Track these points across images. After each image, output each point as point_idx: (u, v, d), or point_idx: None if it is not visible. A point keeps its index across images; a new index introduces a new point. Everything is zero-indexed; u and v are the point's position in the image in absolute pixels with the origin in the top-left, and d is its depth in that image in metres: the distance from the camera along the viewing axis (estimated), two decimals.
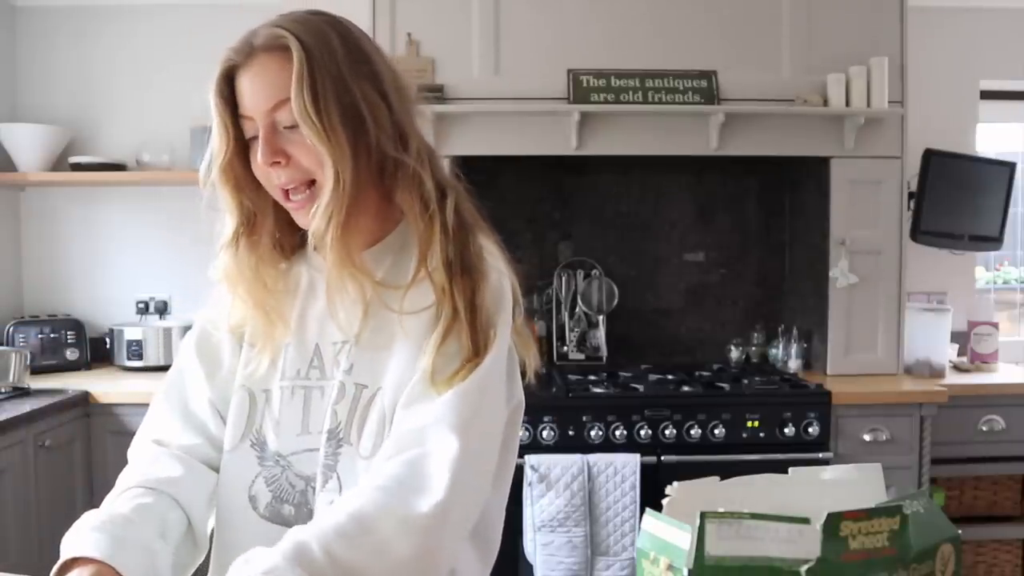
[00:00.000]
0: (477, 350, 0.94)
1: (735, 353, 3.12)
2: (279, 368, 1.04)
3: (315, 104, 0.92)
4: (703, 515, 0.61)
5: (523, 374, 1.08)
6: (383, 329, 0.99)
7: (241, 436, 1.03)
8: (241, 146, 0.98)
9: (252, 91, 0.95)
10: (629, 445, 2.50)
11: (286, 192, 0.98)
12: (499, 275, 1.00)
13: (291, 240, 1.07)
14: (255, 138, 0.97)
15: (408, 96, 1.03)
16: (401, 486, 0.88)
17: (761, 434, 2.55)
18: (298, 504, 1.01)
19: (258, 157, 0.96)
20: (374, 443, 0.96)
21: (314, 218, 0.95)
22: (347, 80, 0.94)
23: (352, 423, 0.98)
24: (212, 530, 1.06)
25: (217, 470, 1.04)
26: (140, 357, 2.94)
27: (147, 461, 1.02)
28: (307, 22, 0.96)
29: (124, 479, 1.00)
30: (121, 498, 0.96)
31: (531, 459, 2.42)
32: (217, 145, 0.98)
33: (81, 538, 0.88)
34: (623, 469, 2.42)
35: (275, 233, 1.04)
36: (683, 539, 0.62)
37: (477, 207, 1.05)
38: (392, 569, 0.85)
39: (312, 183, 0.97)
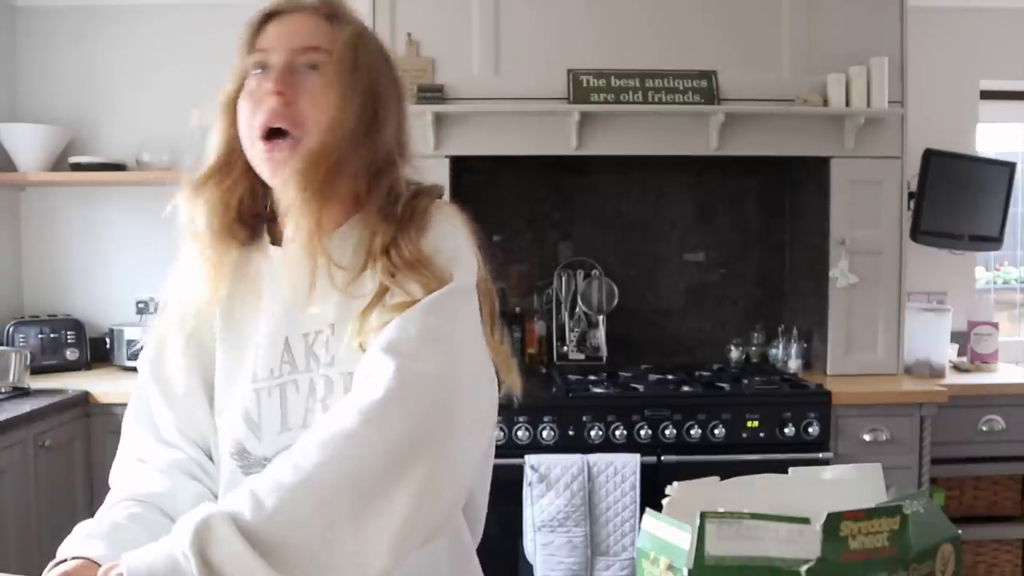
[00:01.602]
0: (429, 292, 0.90)
1: (735, 353, 3.12)
2: (251, 371, 1.00)
3: (354, 62, 0.96)
4: (703, 515, 0.61)
5: (508, 396, 1.05)
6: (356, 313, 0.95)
7: (224, 451, 1.01)
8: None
9: (287, 31, 0.97)
10: (629, 445, 2.50)
11: (267, 133, 0.95)
12: (452, 227, 0.99)
13: (245, 230, 1.03)
14: (258, 72, 0.97)
15: (406, 105, 1.06)
16: (333, 416, 0.82)
17: (761, 434, 2.55)
18: None
19: (258, 97, 0.95)
20: None
21: (294, 167, 0.93)
22: (381, 68, 1.00)
23: None
24: None
25: (202, 482, 1.02)
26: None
27: (131, 478, 1.00)
28: (352, 12, 1.02)
29: (111, 497, 0.99)
30: (112, 510, 0.95)
31: (531, 459, 2.42)
32: (234, 74, 0.99)
33: (77, 544, 0.87)
34: (623, 469, 2.42)
35: (241, 201, 1.02)
36: (683, 539, 0.62)
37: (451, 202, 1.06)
38: (323, 497, 0.77)
39: (295, 141, 0.95)
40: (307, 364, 0.98)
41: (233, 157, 1.00)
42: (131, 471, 1.01)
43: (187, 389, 1.03)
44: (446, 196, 1.09)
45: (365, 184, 0.99)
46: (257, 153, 0.97)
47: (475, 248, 1.00)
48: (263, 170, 0.97)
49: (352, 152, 0.95)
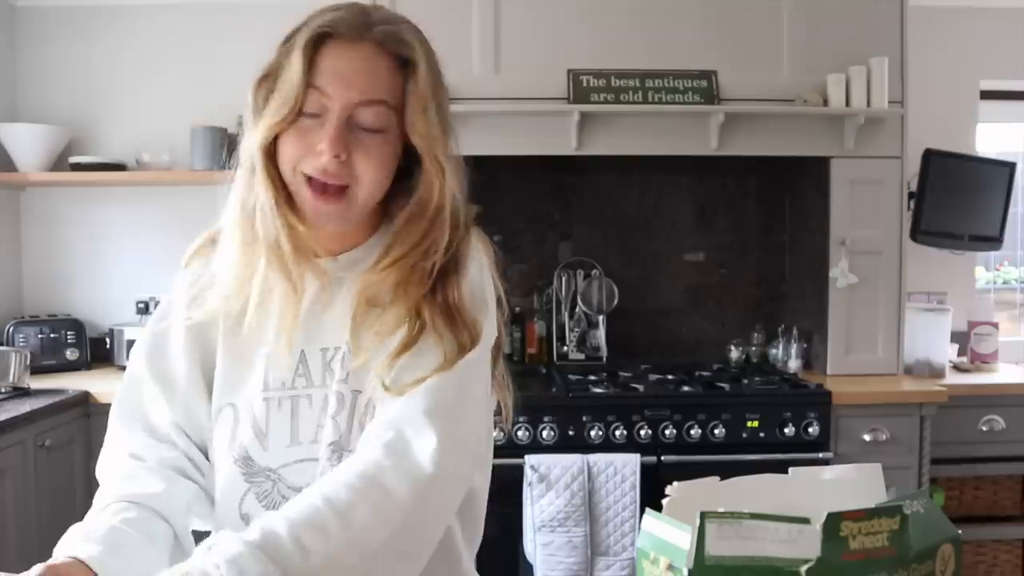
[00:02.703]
0: (462, 347, 0.92)
1: (735, 353, 3.12)
2: (261, 379, 0.99)
3: (432, 126, 0.93)
4: (703, 515, 0.61)
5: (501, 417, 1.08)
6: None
7: (225, 455, 1.00)
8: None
9: (348, 76, 0.91)
10: (629, 445, 2.50)
11: (320, 184, 0.92)
12: (479, 268, 0.99)
13: None
14: (309, 116, 0.91)
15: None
16: (381, 471, 0.84)
17: (761, 434, 2.55)
18: None
19: (303, 144, 0.91)
20: None
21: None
22: (444, 108, 0.96)
23: (352, 431, 0.96)
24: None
25: (194, 480, 1.01)
26: None
27: (123, 476, 0.98)
28: (422, 34, 0.97)
29: (101, 497, 0.97)
30: (104, 513, 0.94)
31: (531, 459, 2.42)
32: (283, 108, 0.91)
33: (72, 545, 0.86)
34: (623, 469, 2.42)
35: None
36: (683, 539, 0.62)
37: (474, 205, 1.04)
38: (367, 558, 0.81)
39: (345, 191, 0.93)
40: (323, 379, 0.98)
41: (284, 188, 0.96)
42: (122, 469, 0.99)
43: (189, 383, 1.02)
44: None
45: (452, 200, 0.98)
46: (300, 194, 0.94)
47: (496, 283, 1.02)
48: (316, 213, 0.94)
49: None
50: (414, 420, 0.88)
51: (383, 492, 0.83)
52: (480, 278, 0.99)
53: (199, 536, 1.04)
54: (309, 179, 0.92)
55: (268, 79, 0.93)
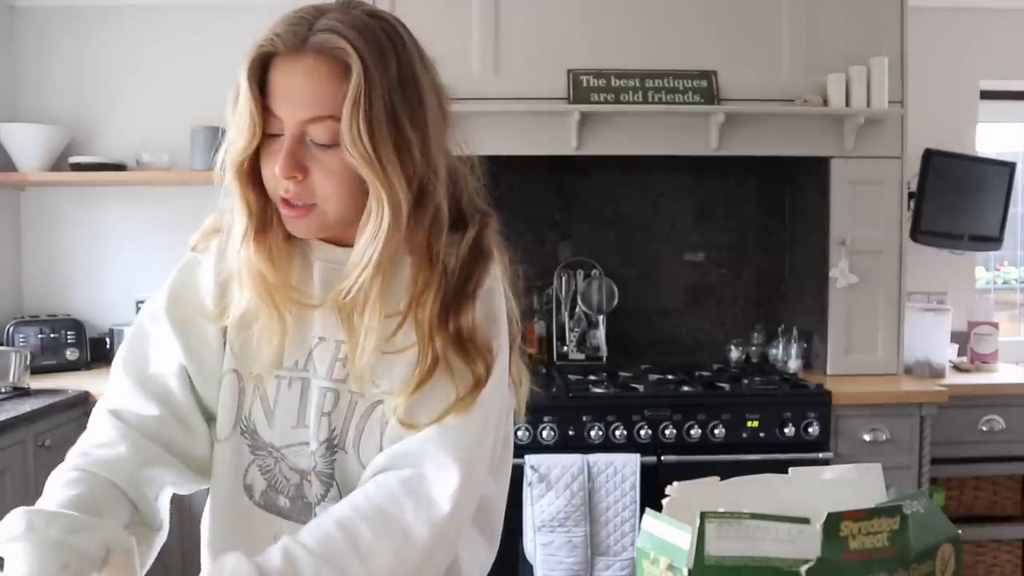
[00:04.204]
0: (478, 380, 0.91)
1: (735, 353, 3.12)
2: (277, 356, 0.98)
3: (371, 136, 0.85)
4: (703, 515, 0.61)
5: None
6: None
7: (232, 424, 0.99)
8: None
9: (291, 94, 0.88)
10: (629, 445, 2.50)
11: (288, 202, 0.91)
12: (489, 292, 0.96)
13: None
14: (274, 136, 0.90)
15: (446, 117, 0.97)
16: (401, 510, 0.85)
17: (761, 434, 2.55)
18: (293, 498, 0.98)
19: (274, 165, 0.89)
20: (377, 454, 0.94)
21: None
22: (396, 108, 0.88)
23: (348, 432, 0.95)
24: (204, 520, 1.04)
25: (176, 444, 0.98)
26: None
27: (93, 436, 0.96)
28: (367, 31, 0.88)
29: (70, 455, 0.95)
30: (55, 484, 0.90)
31: (531, 459, 2.42)
32: (242, 138, 0.89)
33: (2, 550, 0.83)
34: (623, 469, 2.42)
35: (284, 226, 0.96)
36: (683, 539, 0.62)
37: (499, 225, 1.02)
38: None
39: (312, 208, 0.91)
40: (331, 370, 0.97)
41: (263, 213, 0.95)
42: (99, 426, 0.97)
43: (212, 332, 1.00)
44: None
45: (407, 209, 0.91)
46: (282, 212, 0.93)
47: (510, 302, 1.00)
48: (288, 226, 0.94)
49: (410, 208, 0.91)
50: (435, 458, 0.88)
51: (403, 534, 0.85)
52: (489, 298, 0.96)
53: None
54: (280, 202, 0.92)
55: (234, 101, 0.91)
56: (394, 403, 0.91)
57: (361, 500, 0.87)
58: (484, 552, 1.06)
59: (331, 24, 0.87)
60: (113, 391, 1.00)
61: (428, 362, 0.90)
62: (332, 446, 0.96)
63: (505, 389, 1.00)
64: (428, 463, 0.88)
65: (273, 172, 0.90)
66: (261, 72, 0.89)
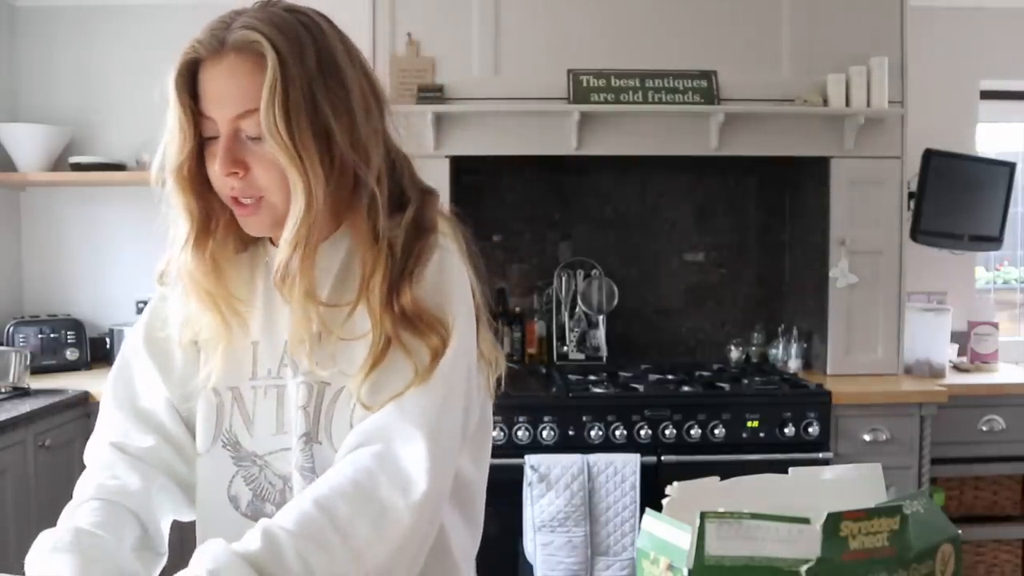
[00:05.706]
0: (435, 351, 0.91)
1: (735, 353, 3.12)
2: (250, 367, 1.01)
3: (287, 123, 0.88)
4: (703, 515, 0.61)
5: (498, 382, 1.06)
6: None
7: (213, 438, 1.01)
8: (198, 144, 0.93)
9: (218, 95, 0.90)
10: (629, 445, 2.50)
11: (235, 198, 0.94)
12: (438, 265, 0.96)
13: (241, 242, 1.03)
14: (213, 138, 0.92)
15: (379, 105, 0.98)
16: (376, 485, 0.86)
17: (761, 434, 2.55)
18: (279, 504, 0.99)
19: (215, 163, 0.91)
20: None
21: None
22: (317, 95, 0.90)
23: (319, 421, 0.96)
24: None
25: (175, 473, 1.02)
26: None
27: (101, 469, 0.99)
28: (283, 24, 0.91)
29: (80, 489, 0.98)
30: (78, 512, 0.94)
31: (531, 459, 2.42)
32: (174, 144, 0.92)
33: (45, 560, 0.87)
34: (623, 469, 2.42)
35: (232, 229, 1.00)
36: (683, 539, 0.62)
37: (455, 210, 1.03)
38: (366, 571, 0.83)
39: (260, 201, 0.94)
40: (299, 366, 0.98)
41: (205, 219, 0.97)
42: (103, 458, 1.00)
43: (183, 366, 1.03)
44: (444, 199, 1.06)
45: (347, 198, 0.95)
46: (235, 212, 0.96)
47: (470, 274, 1.00)
48: (242, 224, 0.97)
49: (330, 193, 0.92)
50: (401, 431, 0.88)
51: (381, 508, 0.85)
52: (438, 270, 0.96)
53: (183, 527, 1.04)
54: (228, 200, 0.95)
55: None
56: (355, 386, 0.92)
57: (337, 477, 0.87)
58: (467, 538, 1.06)
59: (247, 21, 0.90)
60: (108, 425, 1.03)
61: (380, 343, 0.91)
62: (309, 439, 0.97)
63: (472, 362, 0.98)
64: (396, 437, 0.88)
65: (215, 171, 0.93)
66: (192, 80, 0.92)
